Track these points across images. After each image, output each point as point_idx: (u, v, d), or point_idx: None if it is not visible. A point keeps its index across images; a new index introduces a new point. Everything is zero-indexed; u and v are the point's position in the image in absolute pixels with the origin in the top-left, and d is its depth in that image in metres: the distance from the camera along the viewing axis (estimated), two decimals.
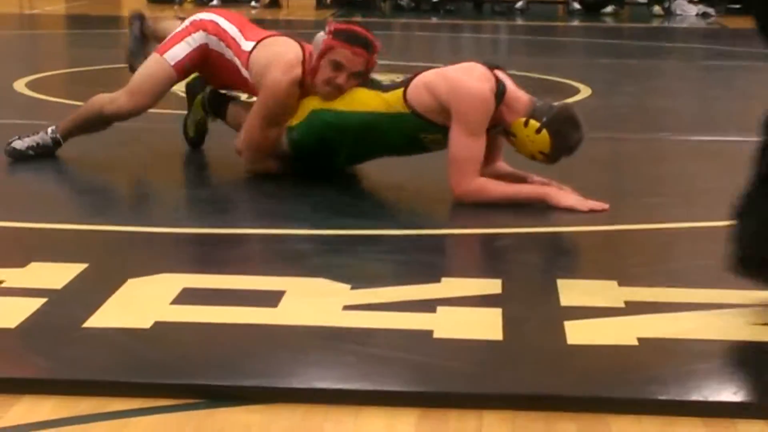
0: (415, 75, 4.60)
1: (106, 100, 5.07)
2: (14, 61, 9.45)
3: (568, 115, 4.46)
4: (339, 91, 4.65)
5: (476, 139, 4.40)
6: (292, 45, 4.87)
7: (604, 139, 5.67)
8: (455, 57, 8.61)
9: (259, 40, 4.94)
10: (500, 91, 4.42)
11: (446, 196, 4.49)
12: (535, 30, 13.28)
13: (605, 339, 3.01)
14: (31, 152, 5.08)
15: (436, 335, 3.03)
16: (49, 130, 5.15)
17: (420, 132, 4.54)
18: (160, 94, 5.04)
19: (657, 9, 14.90)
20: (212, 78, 5.15)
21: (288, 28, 11.86)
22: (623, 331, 3.06)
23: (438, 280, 3.48)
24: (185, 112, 5.45)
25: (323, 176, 4.80)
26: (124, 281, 3.40)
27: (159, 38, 5.27)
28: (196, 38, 5.01)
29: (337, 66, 4.64)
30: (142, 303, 3.25)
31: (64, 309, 3.18)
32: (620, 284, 3.48)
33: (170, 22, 5.39)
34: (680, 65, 10.15)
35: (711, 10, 14.71)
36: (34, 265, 3.59)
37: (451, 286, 3.44)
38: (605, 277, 3.55)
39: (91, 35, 11.67)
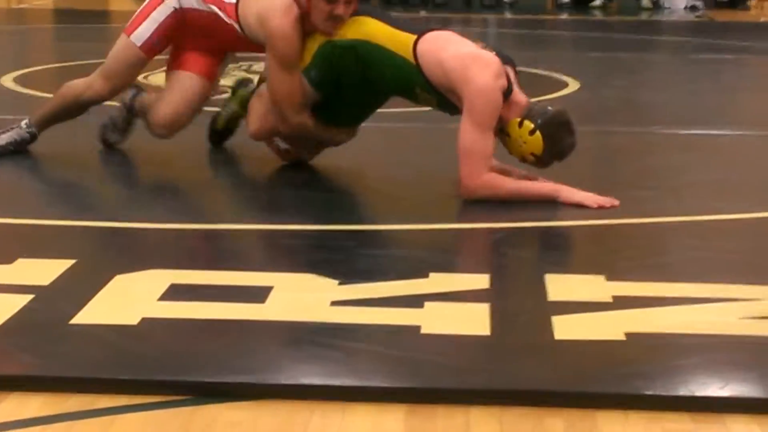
0: (429, 30, 4.54)
1: (81, 86, 5.06)
2: (1, 56, 9.42)
3: (564, 120, 4.44)
4: (341, 20, 4.58)
5: (488, 135, 4.38)
6: None
7: (593, 133, 5.66)
8: None
9: None
10: (508, 89, 4.42)
11: (434, 191, 4.48)
12: (523, 23, 13.27)
13: (593, 334, 3.01)
14: (11, 148, 5.07)
15: (423, 331, 3.02)
16: (23, 124, 5.12)
17: (417, 87, 4.52)
18: (135, 74, 5.12)
19: (646, 2, 14.89)
20: (194, 40, 4.99)
21: None
22: (611, 326, 3.06)
23: (426, 276, 3.48)
24: None
25: (311, 172, 4.79)
26: (111, 277, 3.39)
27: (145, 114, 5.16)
28: (161, 11, 4.95)
29: None
30: (130, 299, 3.24)
31: (52, 305, 3.17)
32: (608, 279, 3.48)
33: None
34: (669, 58, 10.15)
35: (699, 4, 14.71)
36: (21, 262, 3.58)
37: (438, 282, 3.43)
38: (593, 272, 3.54)
39: (78, 29, 11.62)
